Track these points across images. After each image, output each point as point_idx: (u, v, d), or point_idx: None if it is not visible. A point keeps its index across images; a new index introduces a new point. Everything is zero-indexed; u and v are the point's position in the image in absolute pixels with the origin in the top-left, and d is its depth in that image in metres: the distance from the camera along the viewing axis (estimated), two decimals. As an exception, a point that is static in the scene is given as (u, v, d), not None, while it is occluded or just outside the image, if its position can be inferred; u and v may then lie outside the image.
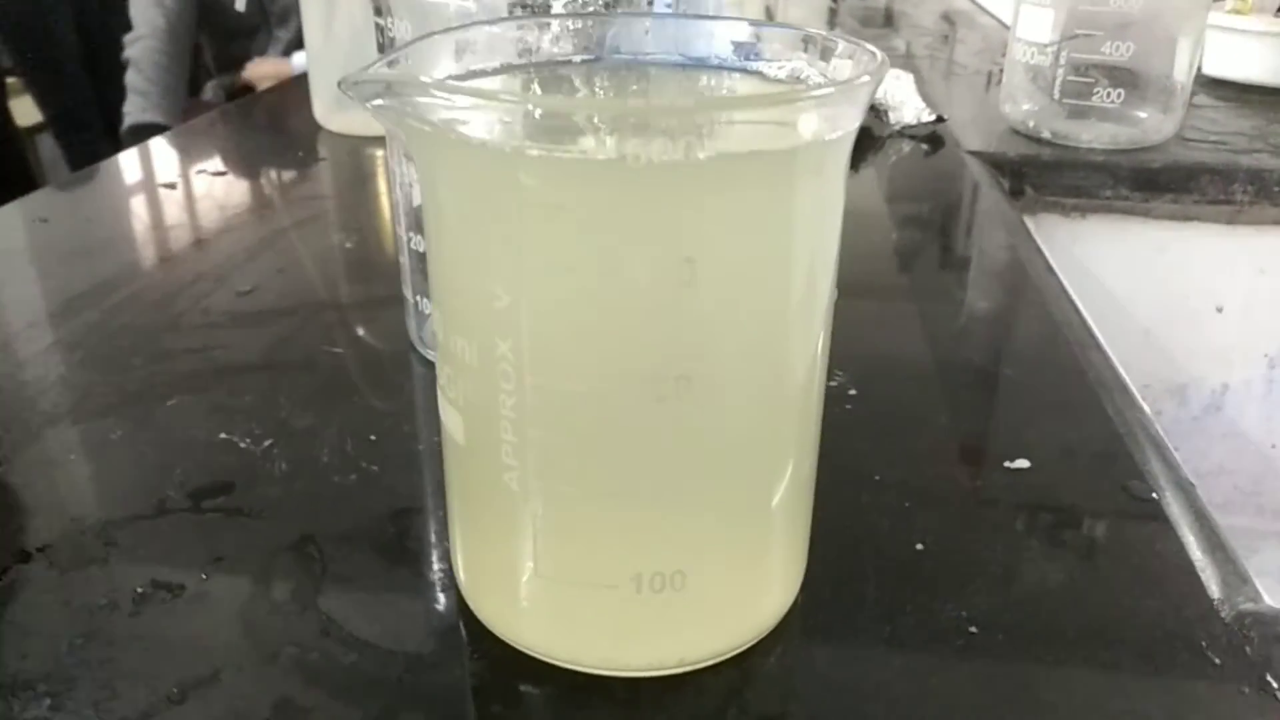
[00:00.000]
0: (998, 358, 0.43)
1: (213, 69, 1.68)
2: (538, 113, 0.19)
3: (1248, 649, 0.26)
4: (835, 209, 0.22)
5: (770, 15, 1.17)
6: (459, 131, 0.20)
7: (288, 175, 0.66)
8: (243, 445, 0.34)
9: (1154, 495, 0.32)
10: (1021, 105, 0.70)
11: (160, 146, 0.73)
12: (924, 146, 0.69)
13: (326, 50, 0.68)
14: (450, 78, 0.25)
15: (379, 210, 0.59)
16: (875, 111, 0.72)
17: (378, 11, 0.36)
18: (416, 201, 0.38)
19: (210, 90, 1.64)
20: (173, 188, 0.62)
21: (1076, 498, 0.32)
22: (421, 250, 0.38)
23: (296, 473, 0.33)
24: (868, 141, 0.69)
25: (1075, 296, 0.48)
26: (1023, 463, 0.34)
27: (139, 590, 0.28)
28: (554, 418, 0.22)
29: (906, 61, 0.93)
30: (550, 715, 0.24)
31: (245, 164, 0.68)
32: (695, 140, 0.19)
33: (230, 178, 0.64)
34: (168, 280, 0.48)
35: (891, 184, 0.65)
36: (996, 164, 0.66)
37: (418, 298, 0.39)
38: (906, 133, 0.71)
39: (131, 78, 1.57)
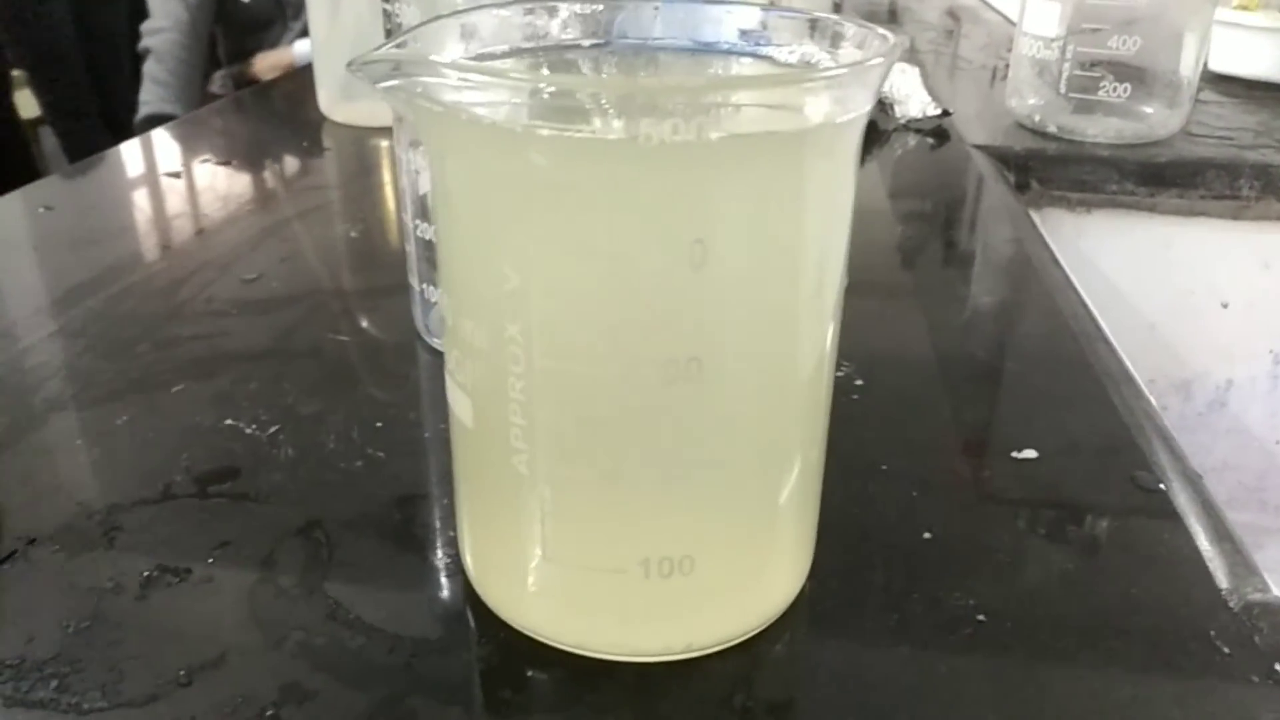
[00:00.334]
0: (1004, 349, 0.43)
1: (224, 60, 1.68)
2: (549, 91, 0.19)
3: (1256, 639, 0.26)
4: (846, 193, 0.22)
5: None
6: (470, 112, 0.20)
7: (292, 165, 0.66)
8: (248, 431, 0.34)
9: (1161, 486, 0.32)
10: (1028, 99, 0.70)
11: (165, 136, 0.73)
12: (930, 140, 0.69)
13: (332, 41, 0.68)
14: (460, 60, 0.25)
15: (383, 200, 0.59)
16: (881, 105, 0.72)
17: (385, -3, 0.36)
18: (423, 189, 0.38)
19: (219, 81, 1.64)
20: (177, 177, 0.62)
21: (1084, 488, 0.32)
22: (427, 238, 0.38)
23: (302, 459, 0.33)
24: (873, 135, 0.69)
25: (1081, 290, 0.48)
26: (1030, 453, 0.34)
27: (145, 574, 0.28)
28: (563, 401, 0.22)
29: (911, 56, 0.92)
30: (558, 700, 0.24)
31: (250, 154, 0.68)
32: (707, 120, 0.19)
33: (235, 167, 0.64)
34: (172, 268, 0.48)
35: (897, 177, 0.65)
36: (1002, 158, 0.66)
37: (424, 286, 0.39)
38: (912, 126, 0.71)
39: (151, 68, 1.57)
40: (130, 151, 0.69)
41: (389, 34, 0.36)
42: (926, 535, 0.30)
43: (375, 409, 0.36)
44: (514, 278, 0.21)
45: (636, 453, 0.22)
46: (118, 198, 0.61)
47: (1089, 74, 0.67)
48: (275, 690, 0.24)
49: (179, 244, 0.51)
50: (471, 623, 0.26)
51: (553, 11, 0.28)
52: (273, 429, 0.34)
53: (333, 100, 0.70)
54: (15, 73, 1.96)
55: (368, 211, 0.57)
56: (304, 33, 1.60)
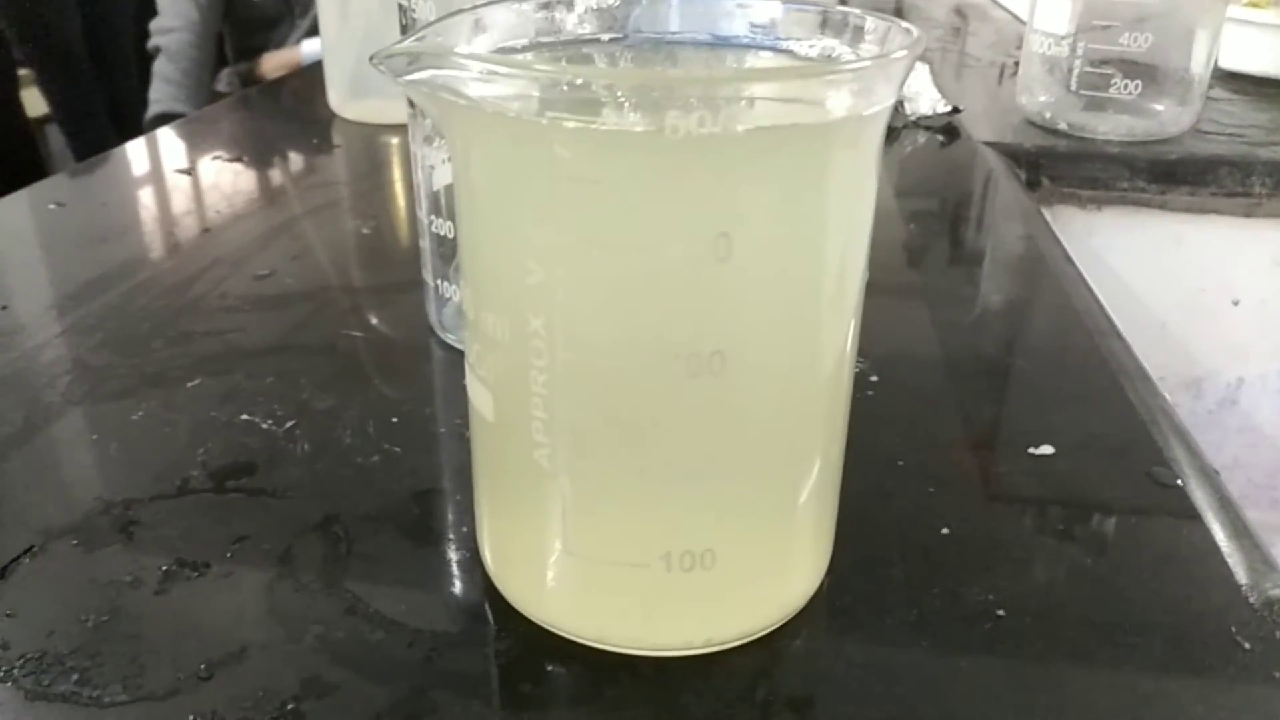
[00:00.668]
0: (1019, 345, 0.43)
1: (231, 58, 1.69)
2: (578, 83, 0.19)
3: (1278, 635, 0.26)
4: (869, 186, 0.22)
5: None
6: (495, 105, 0.20)
7: (302, 162, 0.66)
8: (264, 426, 0.34)
9: (1178, 482, 0.32)
10: (1038, 97, 0.70)
11: (175, 133, 0.73)
12: (940, 137, 0.69)
13: (342, 38, 0.68)
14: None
15: (394, 196, 0.59)
16: (890, 102, 0.71)
17: (401, -7, 0.36)
18: (437, 184, 0.38)
19: (225, 79, 1.64)
20: (188, 174, 0.62)
21: (1100, 484, 0.32)
22: (442, 233, 0.38)
23: (319, 454, 0.33)
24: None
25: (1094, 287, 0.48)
26: (1047, 449, 0.33)
27: (163, 569, 0.28)
28: (586, 394, 0.22)
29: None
30: (577, 694, 0.24)
31: (260, 151, 0.68)
32: (734, 113, 0.19)
33: (245, 164, 0.64)
34: (185, 264, 0.48)
35: (908, 174, 0.65)
36: (1013, 155, 0.66)
37: (438, 281, 0.39)
38: (922, 123, 0.71)
39: (162, 67, 1.57)
40: (140, 149, 0.69)
41: (404, 29, 0.36)
42: (944, 531, 0.29)
43: (390, 404, 0.36)
44: (537, 271, 0.21)
45: (659, 446, 0.22)
46: (128, 195, 0.61)
47: (1100, 71, 0.66)
48: (296, 684, 0.24)
49: (190, 240, 0.51)
50: (490, 617, 0.26)
51: (569, 6, 0.28)
52: (288, 424, 0.34)
53: (343, 97, 0.70)
54: (22, 71, 1.96)
55: (379, 208, 0.57)
56: (311, 31, 1.60)
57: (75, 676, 0.24)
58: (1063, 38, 0.67)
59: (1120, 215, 0.67)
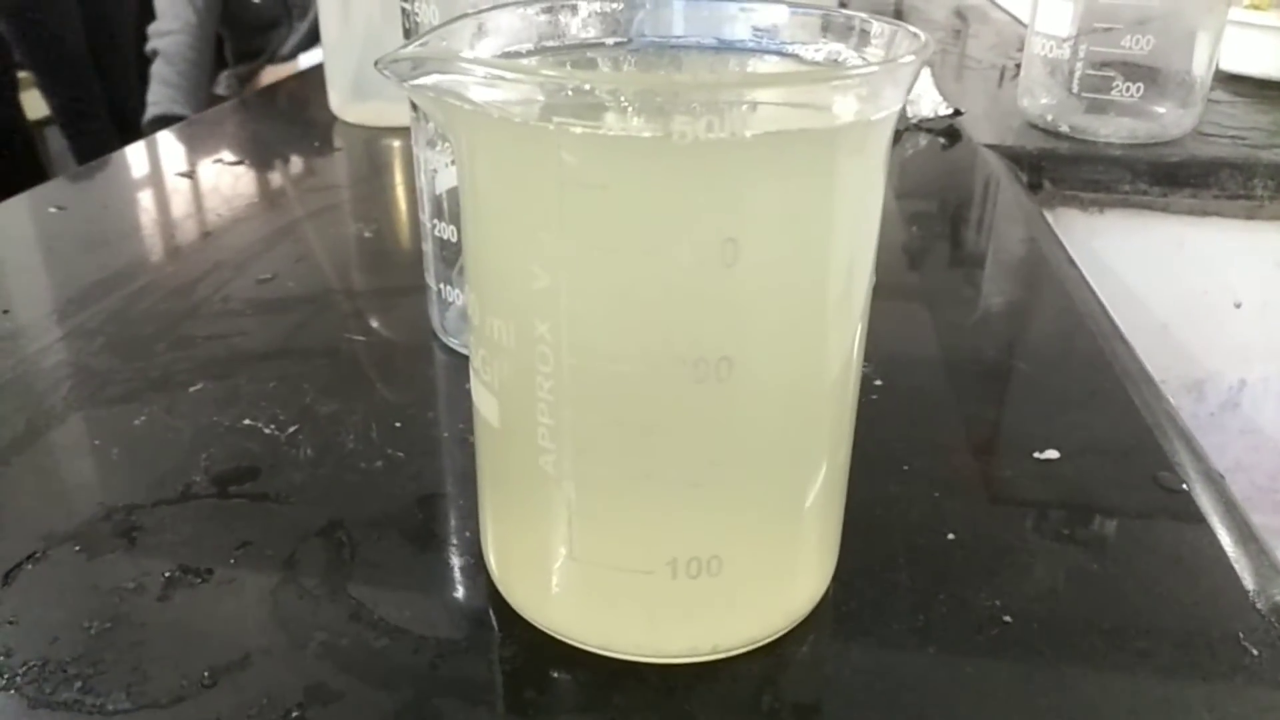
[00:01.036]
0: (1023, 349, 0.43)
1: (230, 61, 1.69)
2: (585, 88, 0.19)
3: (1285, 640, 0.26)
4: (877, 191, 0.22)
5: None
6: (501, 109, 0.20)
7: (304, 165, 0.66)
8: (267, 431, 0.34)
9: (1184, 486, 0.32)
10: (1040, 99, 0.70)
11: (176, 136, 0.73)
12: (941, 140, 0.69)
13: (343, 41, 0.68)
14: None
15: (396, 200, 0.59)
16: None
17: (403, -4, 0.35)
18: (440, 189, 0.38)
19: (224, 82, 1.64)
20: (189, 177, 0.62)
21: (1106, 489, 0.32)
22: (445, 237, 0.38)
23: (322, 459, 0.33)
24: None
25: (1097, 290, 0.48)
26: (1052, 453, 0.33)
27: (166, 575, 0.27)
28: (592, 400, 0.22)
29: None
30: (583, 701, 0.24)
31: (261, 154, 0.67)
32: (742, 118, 0.19)
33: (246, 168, 0.64)
34: (187, 268, 0.48)
35: (910, 177, 0.64)
36: (1015, 158, 0.66)
37: (441, 285, 0.39)
38: (923, 126, 0.71)
39: (160, 69, 1.57)
40: (141, 152, 0.68)
41: (407, 33, 0.36)
42: (950, 536, 0.29)
43: (393, 409, 0.36)
44: (543, 276, 0.21)
45: (666, 452, 0.22)
46: (130, 198, 0.61)
47: (1101, 74, 0.66)
48: (300, 691, 0.24)
49: (192, 244, 0.51)
50: (494, 623, 0.26)
51: (573, 10, 0.28)
52: (291, 429, 0.34)
53: (344, 100, 0.70)
54: (22, 74, 1.96)
55: (381, 211, 0.57)
56: (310, 35, 1.60)
57: (78, 684, 0.24)
58: (1064, 40, 0.67)
59: (1122, 218, 0.67)
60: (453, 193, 0.38)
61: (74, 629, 0.26)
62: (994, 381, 0.40)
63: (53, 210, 0.56)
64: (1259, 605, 0.27)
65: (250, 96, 0.87)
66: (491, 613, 0.26)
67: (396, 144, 0.66)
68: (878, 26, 0.24)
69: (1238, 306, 0.68)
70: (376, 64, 0.23)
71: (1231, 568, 0.29)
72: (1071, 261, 0.50)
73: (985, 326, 0.45)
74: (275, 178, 0.63)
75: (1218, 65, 0.69)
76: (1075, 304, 0.45)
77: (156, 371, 0.38)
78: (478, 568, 0.28)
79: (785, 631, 0.25)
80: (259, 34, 1.66)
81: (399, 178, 0.62)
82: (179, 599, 0.27)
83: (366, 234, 0.53)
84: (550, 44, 0.27)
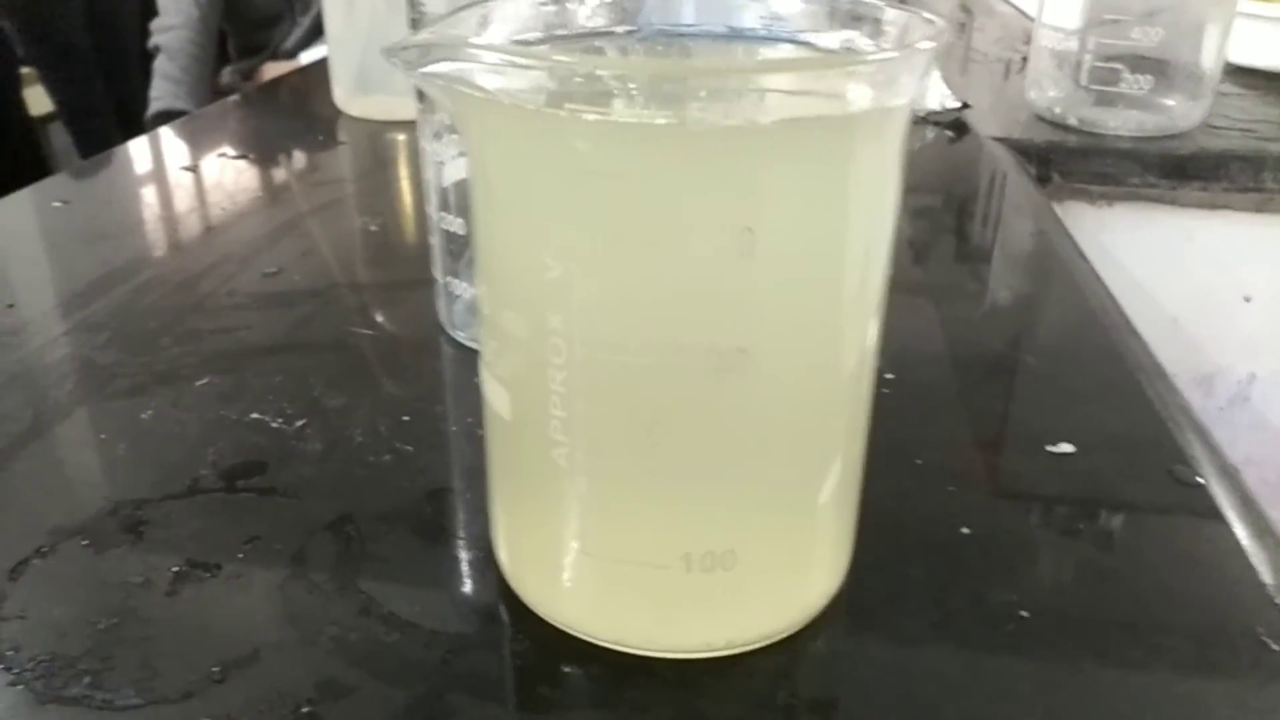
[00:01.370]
0: (1034, 343, 0.43)
1: (233, 56, 1.69)
2: (601, 74, 0.19)
3: (1306, 635, 0.26)
4: (894, 180, 0.22)
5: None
6: (514, 97, 0.20)
7: (309, 159, 0.65)
8: (274, 425, 0.34)
9: (1199, 480, 0.32)
10: (1047, 92, 0.69)
11: (180, 131, 0.72)
12: (948, 133, 0.69)
13: (346, 34, 0.68)
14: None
15: (401, 193, 0.58)
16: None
17: (410, -14, 0.35)
18: (447, 181, 0.38)
19: (227, 76, 1.64)
20: (193, 171, 0.62)
21: (1121, 483, 0.32)
22: (452, 230, 0.38)
23: (330, 453, 0.32)
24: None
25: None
26: (1066, 447, 0.33)
27: (175, 570, 0.27)
28: (606, 392, 0.21)
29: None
30: (596, 697, 0.24)
31: (265, 148, 0.67)
32: (759, 105, 0.18)
33: (250, 162, 0.64)
34: (192, 262, 0.47)
35: (918, 171, 0.64)
36: (1023, 151, 0.65)
37: (448, 279, 0.39)
38: (930, 119, 0.70)
39: (162, 64, 1.57)
40: (145, 147, 0.68)
41: (414, 23, 0.36)
42: (965, 530, 0.29)
43: (400, 403, 0.35)
44: (556, 267, 0.21)
45: (680, 445, 0.22)
46: (134, 192, 0.61)
47: (1110, 66, 0.66)
48: (311, 687, 0.23)
49: (198, 238, 0.51)
50: (505, 618, 0.26)
51: (581, 1, 0.28)
52: (299, 423, 0.34)
53: (348, 94, 0.70)
54: (25, 70, 1.96)
55: (386, 205, 0.57)
56: (312, 30, 1.60)
57: (87, 679, 0.24)
58: (1072, 32, 0.67)
59: (1131, 211, 0.67)
60: (459, 185, 0.37)
61: (82, 624, 0.25)
62: (1005, 375, 0.39)
63: (56, 205, 0.56)
64: (1278, 600, 0.27)
65: (253, 91, 0.86)
66: (502, 607, 0.26)
67: (401, 138, 0.66)
68: (891, 13, 0.24)
69: (1247, 300, 0.68)
70: (384, 52, 0.22)
71: (1249, 563, 0.28)
72: (1081, 255, 0.50)
73: (996, 320, 0.45)
74: (279, 172, 0.63)
75: (1227, 58, 0.69)
76: (1086, 297, 0.45)
77: (162, 365, 0.38)
78: (488, 562, 0.27)
79: (800, 626, 0.25)
80: (261, 29, 1.66)
81: (403, 171, 0.62)
82: (187, 594, 0.26)
83: (372, 228, 0.52)
84: (559, 33, 0.27)
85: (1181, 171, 0.66)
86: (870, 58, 0.20)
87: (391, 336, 0.41)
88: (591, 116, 0.19)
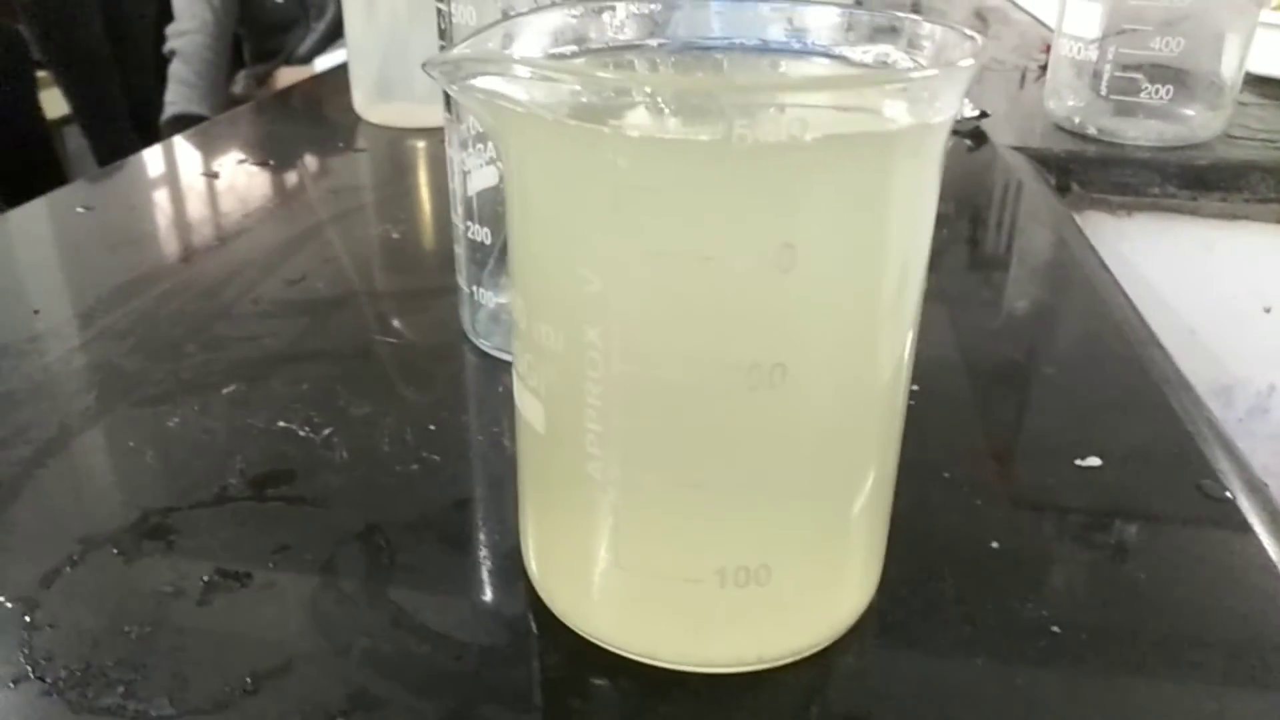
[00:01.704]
0: (1058, 355, 0.43)
1: (247, 60, 1.69)
2: (648, 90, 0.19)
3: (1340, 653, 0.25)
4: (932, 195, 0.22)
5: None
6: (555, 112, 0.20)
7: (329, 166, 0.66)
8: (302, 434, 0.34)
9: (1228, 495, 0.32)
10: (1067, 101, 0.69)
11: (200, 137, 0.73)
12: (967, 142, 0.68)
13: (367, 41, 0.68)
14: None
15: (422, 201, 0.58)
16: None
17: (439, -3, 0.35)
18: (472, 190, 0.38)
19: (241, 82, 1.65)
20: (215, 177, 0.62)
21: (1150, 497, 0.32)
22: (478, 239, 0.38)
23: (357, 461, 0.32)
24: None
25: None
26: (1094, 460, 0.33)
27: (205, 579, 0.27)
28: (642, 406, 0.21)
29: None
30: (627, 711, 0.24)
31: (286, 155, 0.67)
32: (802, 122, 0.18)
33: (271, 168, 0.64)
34: (215, 268, 0.48)
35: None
36: (1042, 160, 0.65)
37: (473, 287, 0.39)
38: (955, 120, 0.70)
39: (177, 69, 1.58)
40: (166, 153, 0.69)
41: (442, 33, 0.36)
42: (994, 545, 0.29)
43: (427, 411, 0.35)
44: (595, 281, 0.21)
45: (717, 460, 0.22)
46: (156, 199, 0.61)
47: (1130, 76, 0.66)
48: (343, 699, 0.23)
49: (219, 245, 0.51)
50: (536, 630, 0.26)
51: (611, 10, 0.28)
52: (326, 431, 0.34)
53: (368, 100, 0.70)
54: (40, 74, 1.97)
55: (408, 212, 0.57)
56: (327, 35, 1.61)
57: (120, 689, 0.24)
58: (1092, 42, 0.67)
59: (1151, 221, 0.67)
60: (485, 194, 0.38)
61: (114, 633, 0.25)
62: (1031, 388, 0.39)
63: (79, 210, 0.56)
64: (1311, 617, 0.27)
65: (271, 98, 0.87)
66: (532, 619, 0.26)
67: (421, 144, 0.66)
68: (927, 27, 0.24)
69: (1267, 311, 0.67)
70: (424, 66, 0.22)
71: (1279, 577, 0.28)
72: (1104, 266, 0.50)
73: (1020, 332, 0.45)
74: (300, 179, 0.63)
75: (1247, 68, 0.68)
76: (1110, 309, 0.45)
77: (188, 373, 0.38)
78: (517, 572, 0.27)
79: (831, 641, 0.25)
80: (276, 34, 1.67)
81: (424, 178, 0.62)
82: (218, 603, 0.26)
83: (394, 235, 0.53)
84: (590, 45, 0.27)
85: (1201, 182, 0.66)
86: (915, 75, 0.20)
87: (415, 344, 0.41)
88: (635, 133, 0.19)
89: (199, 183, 0.62)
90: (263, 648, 0.25)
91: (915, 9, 1.34)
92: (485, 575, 0.28)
